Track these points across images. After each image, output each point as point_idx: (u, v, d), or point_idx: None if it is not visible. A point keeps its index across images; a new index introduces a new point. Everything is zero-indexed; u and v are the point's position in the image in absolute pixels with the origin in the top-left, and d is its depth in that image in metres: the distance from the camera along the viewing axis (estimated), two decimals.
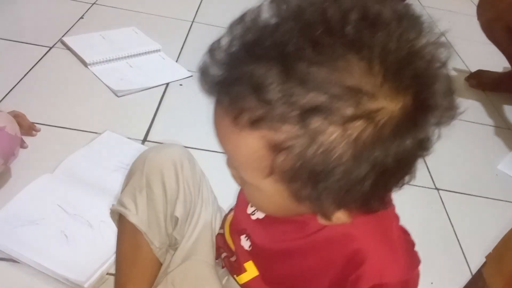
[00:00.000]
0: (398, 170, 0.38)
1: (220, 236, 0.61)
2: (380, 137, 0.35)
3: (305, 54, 0.34)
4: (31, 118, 1.05)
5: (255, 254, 0.52)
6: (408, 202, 1.14)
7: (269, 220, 0.51)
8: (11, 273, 0.76)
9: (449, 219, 1.12)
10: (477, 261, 1.00)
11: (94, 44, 1.41)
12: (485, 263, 0.75)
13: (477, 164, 1.36)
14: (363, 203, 0.40)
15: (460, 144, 1.43)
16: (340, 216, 0.41)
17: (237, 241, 0.54)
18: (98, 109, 1.19)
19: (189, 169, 0.65)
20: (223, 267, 0.59)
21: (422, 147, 0.38)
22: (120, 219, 0.67)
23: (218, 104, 0.39)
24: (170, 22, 1.67)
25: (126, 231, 0.65)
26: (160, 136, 1.14)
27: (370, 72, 0.34)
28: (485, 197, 1.22)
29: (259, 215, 0.52)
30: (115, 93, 1.25)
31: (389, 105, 0.35)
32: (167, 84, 1.34)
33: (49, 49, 1.37)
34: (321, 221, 0.43)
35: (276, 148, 0.36)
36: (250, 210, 0.54)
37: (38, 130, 1.06)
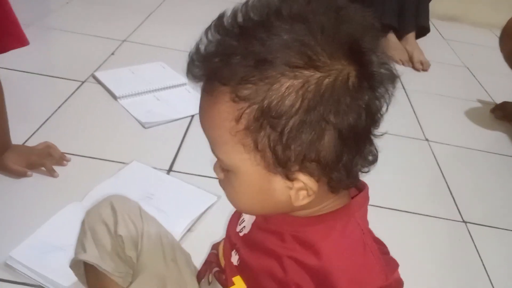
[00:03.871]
0: (351, 135, 0.41)
1: (213, 254, 0.63)
2: (328, 92, 0.39)
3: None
4: (62, 148, 1.09)
5: (243, 269, 0.53)
6: (435, 235, 1.12)
7: (252, 235, 0.53)
8: None
9: (478, 253, 1.09)
10: None
11: (124, 78, 1.47)
12: None
13: (505, 196, 1.33)
14: (324, 169, 0.42)
15: (486, 176, 1.40)
16: (304, 179, 0.43)
17: (228, 257, 0.56)
18: (126, 140, 1.23)
19: (123, 203, 0.70)
20: (209, 283, 0.60)
21: (369, 112, 0.41)
22: (86, 273, 0.69)
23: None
24: None
25: (90, 281, 0.69)
26: (185, 166, 1.16)
27: (312, 34, 0.40)
28: None
29: (246, 230, 0.54)
30: (142, 124, 1.29)
31: (333, 64, 0.39)
32: (192, 116, 1.37)
33: (81, 84, 1.44)
34: (292, 194, 0.44)
35: (240, 99, 0.40)
36: (238, 228, 0.56)
37: (68, 160, 1.09)
